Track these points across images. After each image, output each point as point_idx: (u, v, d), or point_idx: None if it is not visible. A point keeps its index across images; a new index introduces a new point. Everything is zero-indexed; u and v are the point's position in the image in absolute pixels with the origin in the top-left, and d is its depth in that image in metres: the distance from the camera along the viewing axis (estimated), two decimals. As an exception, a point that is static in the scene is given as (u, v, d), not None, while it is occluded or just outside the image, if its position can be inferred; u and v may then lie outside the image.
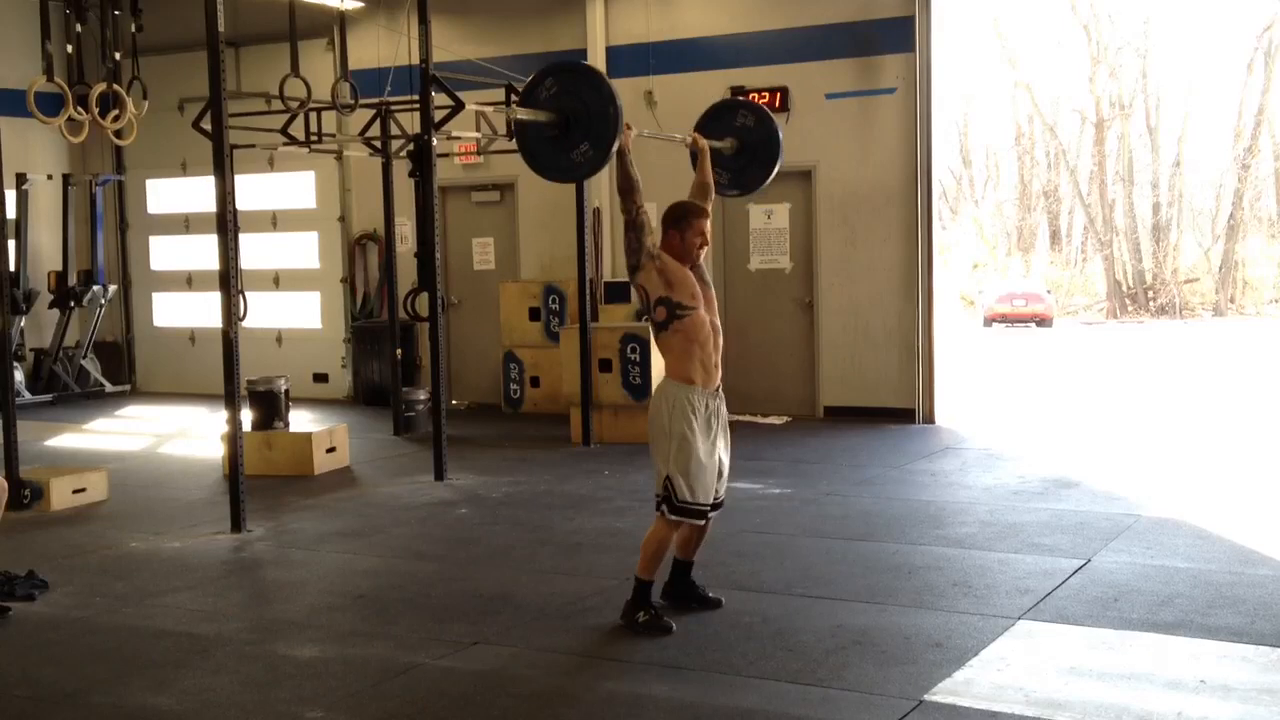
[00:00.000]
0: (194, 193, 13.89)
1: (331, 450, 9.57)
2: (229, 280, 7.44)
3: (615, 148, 5.07)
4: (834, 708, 4.50)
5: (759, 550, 6.75)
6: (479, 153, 12.23)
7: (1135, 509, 7.64)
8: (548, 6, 12.46)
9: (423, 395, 11.41)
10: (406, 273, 11.38)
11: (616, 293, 11.93)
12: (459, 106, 9.03)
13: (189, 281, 14.48)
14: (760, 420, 11.56)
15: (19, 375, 12.45)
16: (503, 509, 8.09)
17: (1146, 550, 6.61)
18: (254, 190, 13.45)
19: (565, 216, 11.36)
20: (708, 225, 5.44)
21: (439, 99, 8.98)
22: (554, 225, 12.29)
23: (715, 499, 5.51)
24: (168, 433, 11.83)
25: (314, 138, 11.05)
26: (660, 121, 11.90)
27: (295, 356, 13.65)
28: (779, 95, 11.55)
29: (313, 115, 10.94)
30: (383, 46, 12.25)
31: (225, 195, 7.49)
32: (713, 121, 6.29)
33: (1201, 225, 37.50)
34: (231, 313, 7.45)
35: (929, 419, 11.24)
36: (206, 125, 7.89)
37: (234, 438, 7.54)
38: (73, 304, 13.69)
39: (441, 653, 5.19)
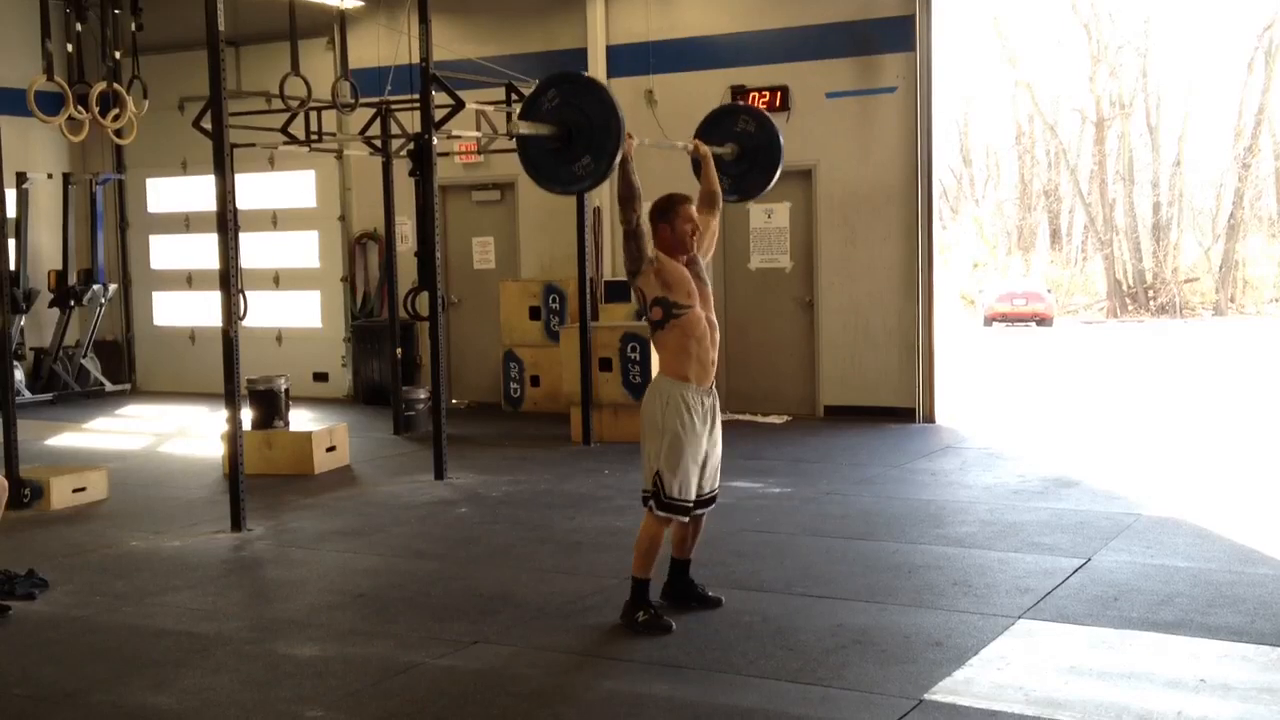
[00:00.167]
0: (194, 192, 13.89)
1: (331, 449, 9.57)
2: (229, 279, 7.44)
3: (617, 159, 5.05)
4: (834, 707, 4.50)
5: (759, 549, 6.75)
6: (479, 152, 12.23)
7: (1135, 508, 7.64)
8: (548, 6, 12.46)
9: (423, 394, 11.41)
10: (407, 272, 11.39)
11: (617, 292, 11.94)
12: (459, 106, 9.03)
13: (189, 281, 14.48)
14: (760, 419, 11.56)
15: (19, 374, 12.45)
16: (503, 508, 8.09)
17: (1146, 549, 6.61)
18: (254, 189, 13.45)
19: (565, 216, 11.37)
20: (694, 210, 5.45)
21: (439, 98, 8.99)
22: (554, 224, 12.29)
23: (709, 493, 5.53)
24: (168, 432, 11.84)
25: (314, 137, 11.05)
26: (660, 120, 11.91)
27: (295, 355, 13.65)
28: (779, 94, 11.55)
29: (313, 114, 10.94)
30: (383, 45, 12.25)
31: (225, 194, 7.49)
32: (713, 127, 6.26)
33: (1202, 224, 37.48)
34: (232, 312, 7.45)
35: (929, 418, 11.24)
36: (207, 124, 7.90)
37: (234, 437, 7.54)
38: (73, 303, 13.68)
39: (441, 652, 5.19)
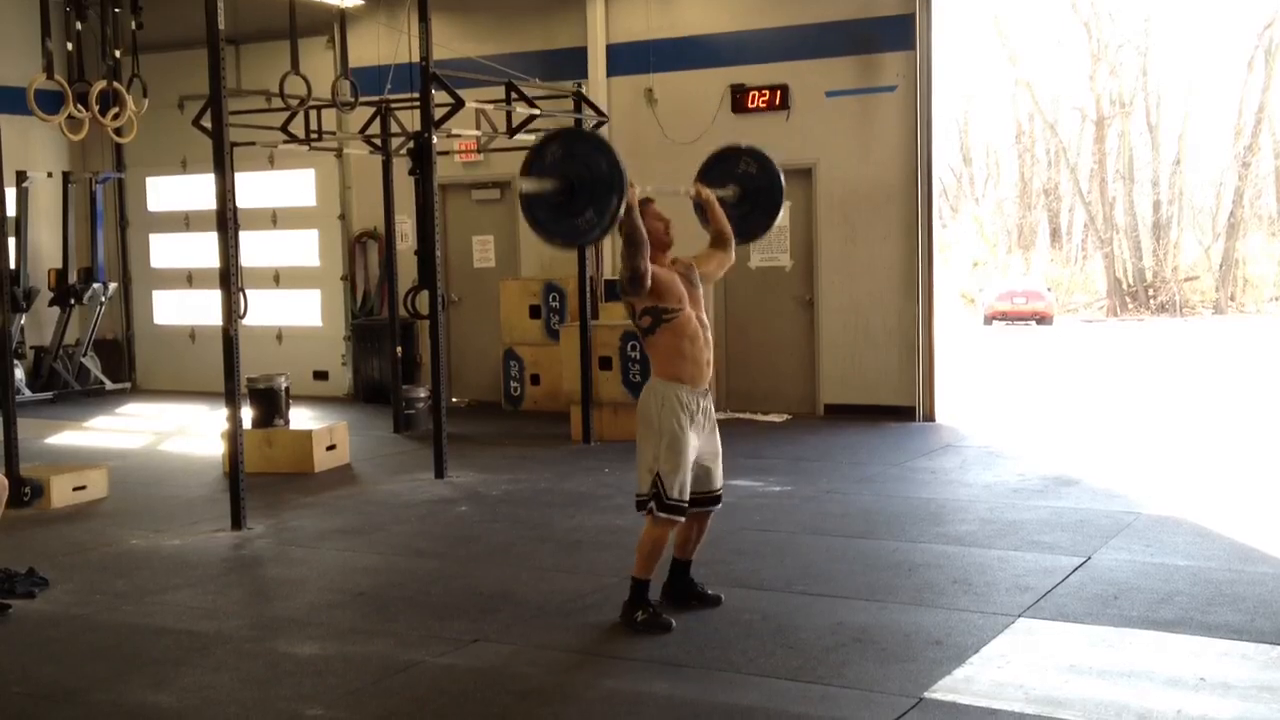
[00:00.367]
0: (194, 190, 13.88)
1: (332, 448, 9.57)
2: (229, 278, 7.44)
3: (621, 211, 5.02)
4: (834, 705, 4.51)
5: (759, 548, 6.75)
6: (479, 150, 12.22)
7: (1135, 507, 7.64)
8: (548, 4, 12.45)
9: (423, 393, 11.41)
10: (407, 270, 11.39)
11: (617, 291, 11.92)
12: (459, 104, 9.03)
13: (189, 279, 14.48)
14: (760, 418, 11.56)
15: (19, 373, 12.45)
16: (503, 506, 8.10)
17: (1146, 548, 6.61)
18: (254, 188, 13.44)
19: (565, 214, 11.35)
20: (657, 209, 5.45)
21: (439, 97, 8.98)
22: (554, 223, 12.27)
23: (710, 492, 5.53)
24: (168, 430, 11.84)
25: (314, 135, 11.04)
26: (660, 119, 11.91)
27: (295, 354, 13.64)
28: (779, 93, 11.55)
29: (313, 113, 10.94)
30: (383, 44, 12.25)
31: (225, 193, 7.49)
32: (714, 169, 6.20)
33: (1202, 223, 37.48)
34: (232, 310, 7.45)
35: (929, 417, 11.24)
36: (207, 123, 7.90)
37: (234, 435, 7.54)
38: (73, 302, 13.68)
39: (441, 650, 5.20)
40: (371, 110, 11.14)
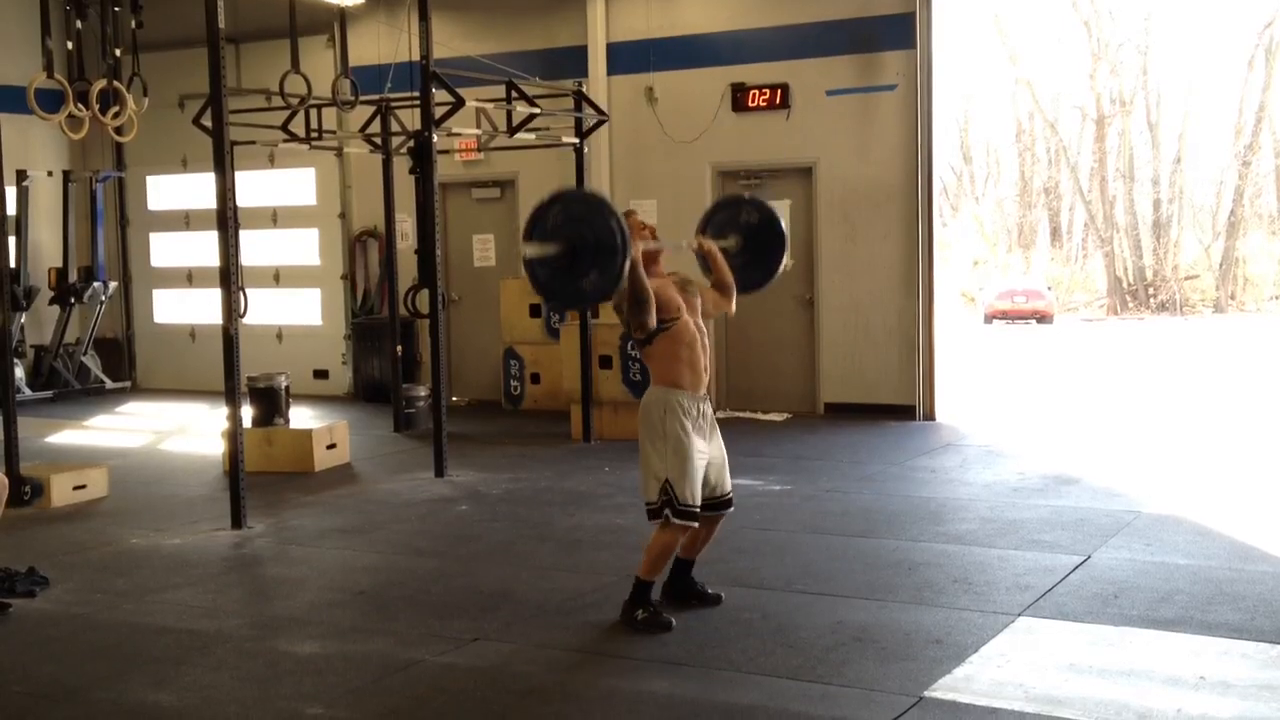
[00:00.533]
0: (194, 189, 13.87)
1: (332, 447, 9.57)
2: (229, 277, 7.43)
3: (626, 270, 5.03)
4: (834, 704, 4.51)
5: (759, 547, 6.75)
6: (479, 149, 12.22)
7: (1135, 505, 7.64)
8: (548, 3, 12.44)
9: (423, 392, 11.41)
10: (407, 269, 11.39)
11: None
12: (459, 103, 9.02)
13: (189, 278, 14.48)
14: (761, 417, 11.56)
15: (19, 372, 12.45)
16: (503, 505, 8.10)
17: (1146, 547, 6.61)
18: (254, 187, 13.44)
19: (565, 213, 11.35)
20: (639, 218, 5.53)
21: (439, 95, 8.98)
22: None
23: (721, 496, 5.54)
24: (168, 429, 11.84)
25: (314, 134, 11.05)
26: (660, 118, 11.91)
27: (296, 353, 13.64)
28: (779, 92, 11.55)
29: (313, 112, 10.94)
30: (383, 43, 12.25)
31: (225, 192, 7.49)
32: (714, 220, 6.20)
33: (1202, 222, 37.49)
34: (232, 309, 7.45)
35: (929, 416, 11.23)
36: (207, 122, 7.89)
37: (234, 434, 7.54)
38: (73, 301, 13.68)
39: (442, 649, 5.20)
40: (372, 109, 11.14)
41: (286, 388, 10.07)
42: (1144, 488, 8.22)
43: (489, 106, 10.09)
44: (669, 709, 4.51)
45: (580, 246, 5.03)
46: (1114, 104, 36.65)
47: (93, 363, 14.18)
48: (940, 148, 11.49)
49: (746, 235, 6.01)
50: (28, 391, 13.12)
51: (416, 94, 9.38)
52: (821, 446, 10.06)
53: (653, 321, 5.26)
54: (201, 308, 13.89)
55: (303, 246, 13.94)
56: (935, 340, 11.24)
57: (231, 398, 7.52)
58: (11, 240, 11.52)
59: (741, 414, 11.60)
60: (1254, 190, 36.57)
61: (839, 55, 11.34)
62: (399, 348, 11.43)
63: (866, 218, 11.37)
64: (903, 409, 11.28)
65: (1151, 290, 35.71)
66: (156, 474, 9.53)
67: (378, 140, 11.30)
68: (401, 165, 11.12)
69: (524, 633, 5.42)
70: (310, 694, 4.72)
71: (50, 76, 9.49)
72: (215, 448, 9.63)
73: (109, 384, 14.22)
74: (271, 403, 9.86)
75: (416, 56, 9.20)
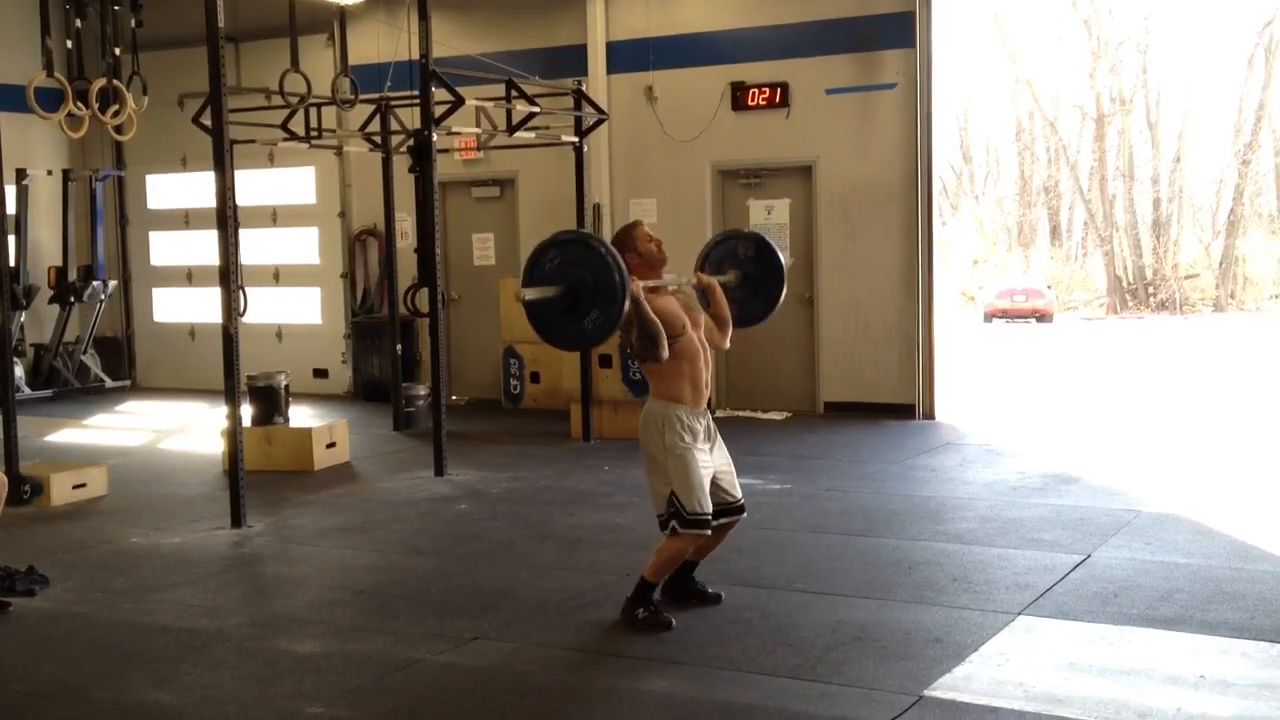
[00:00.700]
0: (194, 188, 13.86)
1: (331, 446, 9.57)
2: (229, 276, 7.43)
3: (626, 307, 5.04)
4: (834, 703, 4.51)
5: (759, 546, 6.75)
6: (479, 148, 12.21)
7: (1135, 504, 7.64)
8: (548, 1, 12.43)
9: (423, 391, 11.41)
10: (407, 268, 11.40)
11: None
12: (459, 102, 9.02)
13: (189, 277, 14.48)
14: (761, 416, 11.56)
15: (19, 371, 12.44)
16: (502, 504, 8.10)
17: (1146, 546, 6.61)
18: (254, 186, 13.44)
19: (566, 212, 11.34)
20: (648, 230, 5.56)
21: (439, 94, 8.98)
22: (554, 221, 12.21)
23: (733, 503, 5.55)
24: (168, 428, 11.84)
25: (314, 133, 11.04)
26: (660, 117, 11.90)
27: (295, 352, 13.64)
28: (779, 91, 11.54)
29: (313, 111, 10.94)
30: (383, 42, 12.24)
31: (225, 191, 7.49)
32: (712, 255, 6.23)
33: (1202, 221, 37.48)
34: (231, 308, 7.45)
35: (929, 415, 11.23)
36: (206, 120, 7.89)
37: (234, 433, 7.54)
38: (73, 299, 13.67)
39: (441, 648, 5.20)
40: (371, 108, 11.14)
41: (286, 387, 10.07)
42: (1144, 487, 8.22)
43: (489, 105, 10.09)
44: (669, 708, 4.52)
45: (579, 288, 5.04)
46: (1114, 103, 36.64)
47: (92, 362, 14.17)
48: (940, 147, 11.49)
49: (744, 269, 6.07)
50: (27, 390, 13.12)
51: (416, 93, 9.38)
52: (821, 445, 10.06)
53: (665, 354, 5.26)
54: (201, 306, 13.88)
55: (302, 245, 13.93)
56: (935, 339, 11.24)
57: (231, 397, 7.52)
58: (11, 239, 11.53)
59: (741, 413, 11.60)
60: (1254, 189, 36.56)
61: (839, 54, 11.34)
62: (399, 347, 11.43)
63: (866, 217, 11.37)
64: (902, 408, 11.28)
65: (1151, 289, 35.70)
66: (156, 473, 9.53)
67: (377, 139, 11.30)
68: (401, 164, 11.12)
69: (524, 632, 5.42)
70: (310, 693, 4.72)
71: (50, 75, 9.48)
72: (215, 446, 9.63)
73: (109, 383, 14.22)
74: (271, 402, 9.86)
75: (416, 55, 9.20)
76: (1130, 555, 6.43)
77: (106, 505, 8.31)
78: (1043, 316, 29.66)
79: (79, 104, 9.49)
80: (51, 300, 13.71)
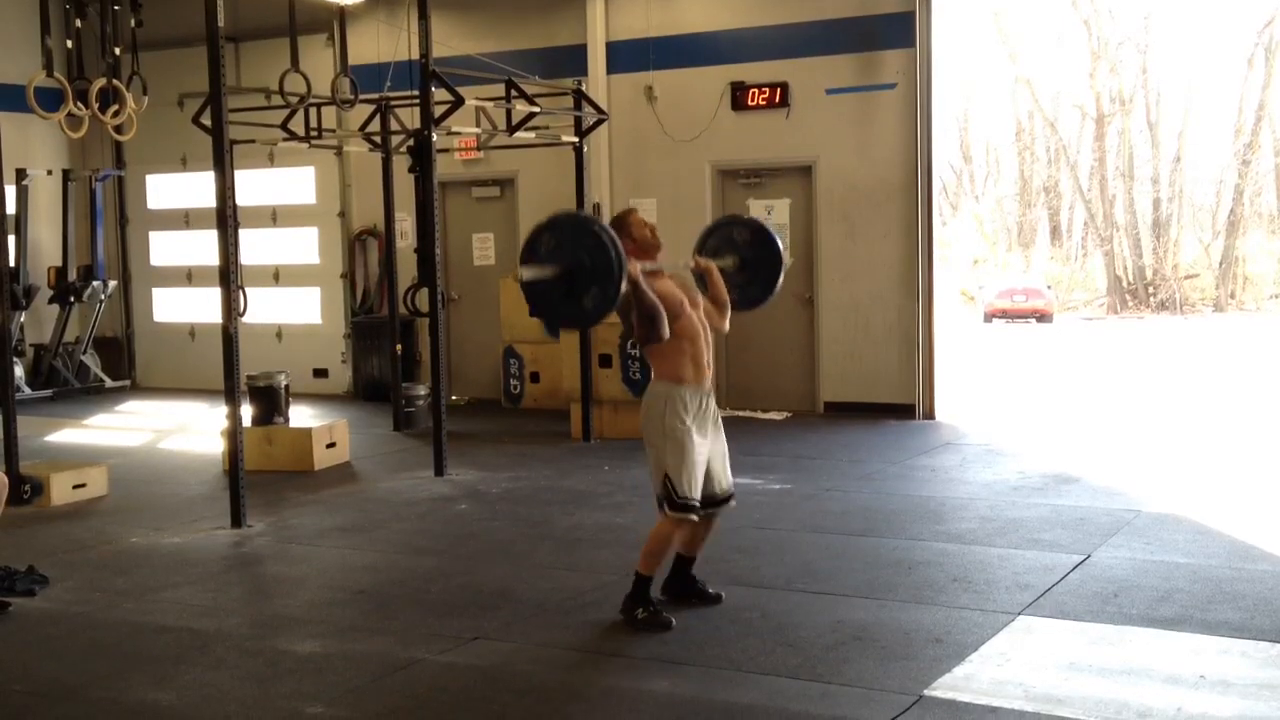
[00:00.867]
0: (194, 188, 13.86)
1: (331, 445, 9.57)
2: (229, 275, 7.43)
3: (624, 284, 5.04)
4: (834, 703, 4.51)
5: (759, 545, 6.75)
6: (479, 148, 12.21)
7: (1135, 504, 7.64)
8: (548, 1, 12.44)
9: (423, 390, 11.40)
10: (406, 268, 11.39)
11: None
12: (459, 102, 9.02)
13: (189, 277, 14.48)
14: (760, 416, 11.56)
15: (19, 371, 12.44)
16: (502, 504, 8.10)
17: (1146, 546, 6.61)
18: (254, 185, 13.43)
19: (565, 212, 11.36)
20: (642, 216, 5.60)
21: (439, 94, 8.98)
22: (554, 221, 12.27)
23: (721, 494, 5.54)
24: (168, 428, 11.84)
25: (314, 133, 11.04)
26: (660, 117, 11.91)
27: (295, 352, 13.64)
28: (779, 91, 11.54)
29: (313, 110, 10.94)
30: (383, 42, 12.24)
31: (225, 191, 7.49)
32: (711, 240, 6.24)
33: (1202, 221, 37.47)
34: (231, 308, 7.45)
35: (929, 414, 11.23)
36: (206, 120, 7.89)
37: (234, 433, 7.54)
38: (73, 299, 13.68)
39: (442, 648, 5.20)
40: (371, 108, 11.14)
41: (286, 386, 10.06)
42: (1144, 487, 8.22)
43: (489, 105, 10.09)
44: (669, 708, 4.51)
45: (576, 268, 5.05)
46: (1114, 103, 36.62)
47: (92, 361, 14.17)
48: (940, 146, 11.49)
49: (742, 254, 6.07)
50: (27, 390, 13.12)
51: (416, 93, 9.38)
52: (821, 445, 10.06)
53: (666, 334, 5.28)
54: (201, 306, 13.88)
55: (302, 245, 13.93)
56: (935, 339, 11.24)
57: (231, 396, 7.52)
58: (11, 239, 11.52)
59: (741, 413, 11.59)
60: (1254, 189, 36.54)
61: (839, 54, 11.34)
62: (399, 346, 11.42)
63: (866, 216, 11.37)
64: (902, 408, 11.28)
65: (1151, 289, 35.69)
66: (156, 473, 9.53)
67: (377, 139, 11.30)
68: (401, 164, 11.11)
69: (524, 632, 5.42)
70: (310, 693, 4.72)
71: (50, 75, 9.48)
72: (215, 446, 9.63)
73: (109, 383, 14.22)
74: (271, 401, 9.85)
75: (416, 55, 9.20)
76: (1130, 555, 6.43)
77: (106, 505, 8.31)
78: (1043, 316, 29.66)
79: (79, 104, 9.49)
80: (51, 300, 13.71)
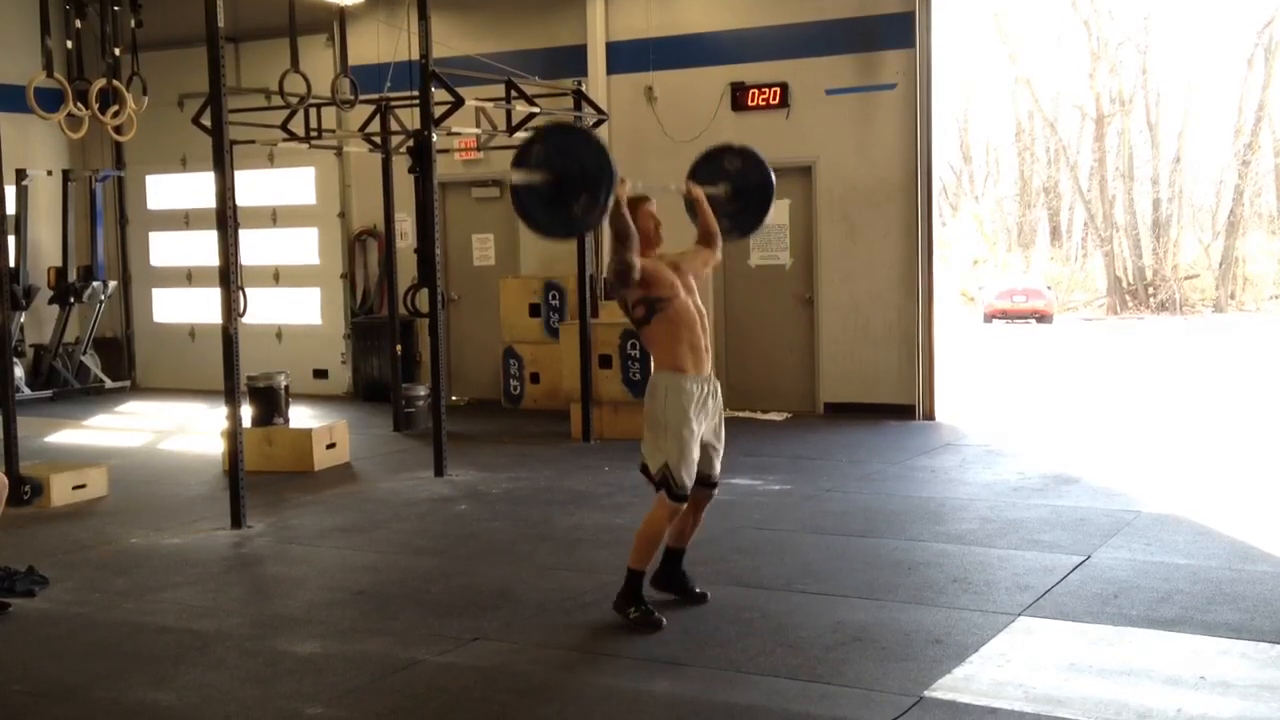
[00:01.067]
0: (194, 188, 13.86)
1: (331, 446, 9.57)
2: (229, 276, 7.43)
3: (615, 189, 5.05)
4: (834, 704, 4.51)
5: (759, 546, 6.75)
6: (479, 148, 12.22)
7: (1135, 505, 7.64)
8: (548, 2, 12.44)
9: (423, 391, 11.40)
10: (406, 269, 11.40)
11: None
12: (459, 102, 9.02)
13: (189, 277, 14.48)
14: (760, 416, 11.56)
15: (19, 371, 12.44)
16: (502, 505, 8.10)
17: (1146, 546, 6.61)
18: (254, 186, 13.43)
19: (565, 212, 11.37)
20: (653, 208, 5.56)
21: (439, 94, 8.98)
22: (554, 221, 12.27)
23: (710, 477, 5.55)
24: (168, 429, 11.84)
25: (314, 133, 11.04)
26: (660, 117, 11.91)
27: (295, 352, 13.64)
28: (779, 91, 11.54)
29: (313, 111, 10.94)
30: (383, 42, 12.24)
31: (225, 191, 7.49)
32: (703, 168, 6.25)
33: (1202, 221, 37.47)
34: (231, 308, 7.45)
35: (929, 415, 11.23)
36: (206, 121, 7.89)
37: (234, 434, 7.54)
38: (73, 300, 13.68)
39: (441, 648, 5.20)
40: (371, 108, 11.14)
41: (286, 387, 10.06)
42: (1144, 487, 8.22)
43: (488, 105, 10.10)
44: (669, 708, 4.51)
45: (566, 176, 5.06)
46: (1113, 103, 36.62)
47: (92, 362, 14.17)
48: (940, 147, 11.50)
49: (736, 183, 6.08)
50: (27, 391, 13.12)
51: (416, 93, 9.38)
52: (821, 446, 10.06)
53: (636, 261, 5.24)
54: (201, 307, 13.89)
55: (302, 246, 13.93)
56: (935, 339, 11.25)
57: (231, 397, 7.52)
58: (11, 239, 11.53)
59: (741, 413, 11.59)
60: (1254, 190, 36.54)
61: (838, 54, 11.34)
62: (398, 347, 11.42)
63: (866, 217, 11.37)
64: (902, 408, 11.28)
65: (1151, 290, 35.70)
66: (156, 473, 9.53)
67: (377, 139, 11.30)
68: (401, 164, 11.12)
69: (524, 632, 5.42)
70: (310, 693, 4.72)
71: (50, 75, 9.49)
72: (215, 447, 9.63)
73: (108, 383, 14.22)
74: (271, 402, 9.85)
75: (416, 55, 9.19)
76: (1130, 556, 6.43)
77: (106, 506, 8.31)
78: (1043, 317, 29.67)
79: (79, 104, 9.50)
80: (51, 300, 13.71)
